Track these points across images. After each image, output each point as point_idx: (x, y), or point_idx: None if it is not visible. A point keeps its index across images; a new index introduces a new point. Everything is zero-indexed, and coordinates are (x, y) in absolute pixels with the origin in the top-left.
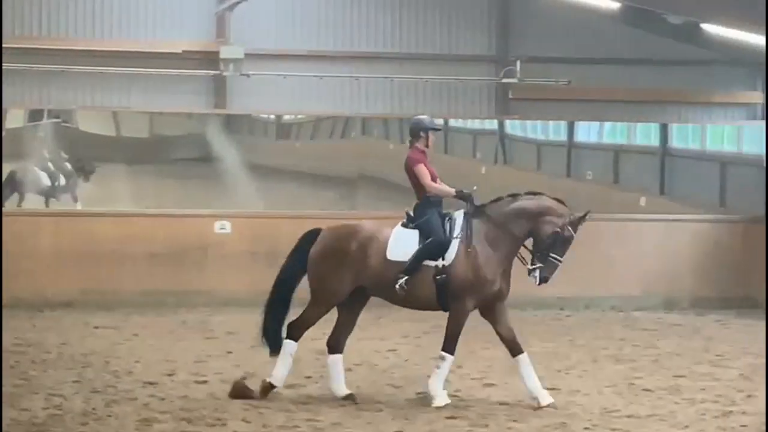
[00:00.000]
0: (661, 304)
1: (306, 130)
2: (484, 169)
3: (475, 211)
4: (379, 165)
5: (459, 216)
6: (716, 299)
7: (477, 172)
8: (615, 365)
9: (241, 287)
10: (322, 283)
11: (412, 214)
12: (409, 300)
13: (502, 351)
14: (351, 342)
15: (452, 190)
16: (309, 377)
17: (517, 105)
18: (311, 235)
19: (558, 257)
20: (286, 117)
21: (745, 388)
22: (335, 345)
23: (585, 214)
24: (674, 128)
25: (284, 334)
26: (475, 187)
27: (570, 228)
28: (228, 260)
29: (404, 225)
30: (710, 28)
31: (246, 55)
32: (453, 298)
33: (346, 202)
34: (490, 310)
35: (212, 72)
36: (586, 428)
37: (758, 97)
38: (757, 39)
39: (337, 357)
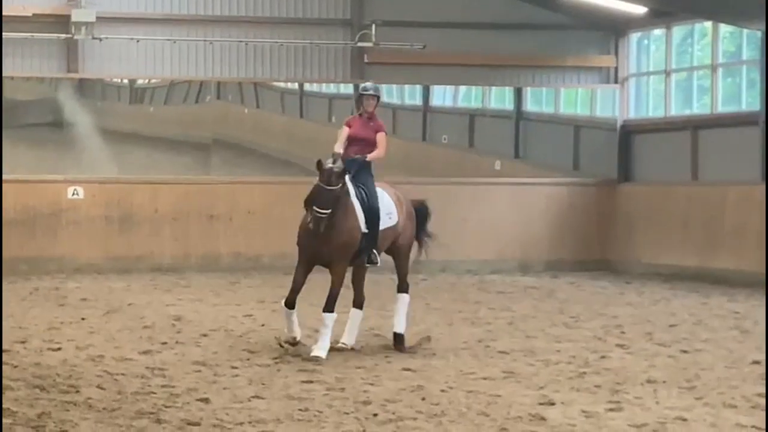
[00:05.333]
0: (516, 267)
1: (160, 95)
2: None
3: None
4: (234, 130)
5: None
6: (570, 262)
7: (333, 137)
8: (470, 328)
9: (94, 253)
10: None
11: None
12: None
13: (365, 316)
14: (206, 308)
15: None
16: (164, 343)
17: (373, 69)
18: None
19: None
20: (140, 81)
21: (598, 348)
22: None
23: None
24: (528, 92)
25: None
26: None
27: None
28: (81, 226)
29: None
30: None
31: (98, 18)
32: None
33: (200, 167)
34: None
35: (63, 36)
36: (442, 390)
37: (610, 60)
38: (609, 3)
39: None
